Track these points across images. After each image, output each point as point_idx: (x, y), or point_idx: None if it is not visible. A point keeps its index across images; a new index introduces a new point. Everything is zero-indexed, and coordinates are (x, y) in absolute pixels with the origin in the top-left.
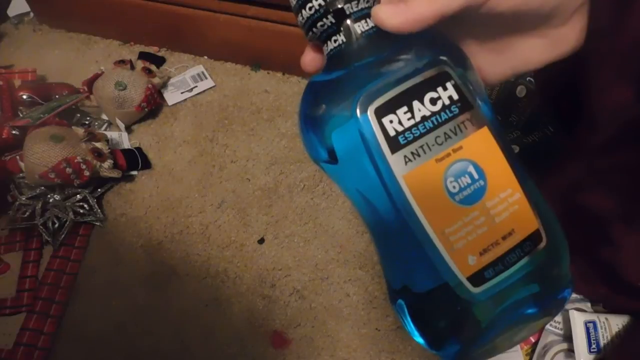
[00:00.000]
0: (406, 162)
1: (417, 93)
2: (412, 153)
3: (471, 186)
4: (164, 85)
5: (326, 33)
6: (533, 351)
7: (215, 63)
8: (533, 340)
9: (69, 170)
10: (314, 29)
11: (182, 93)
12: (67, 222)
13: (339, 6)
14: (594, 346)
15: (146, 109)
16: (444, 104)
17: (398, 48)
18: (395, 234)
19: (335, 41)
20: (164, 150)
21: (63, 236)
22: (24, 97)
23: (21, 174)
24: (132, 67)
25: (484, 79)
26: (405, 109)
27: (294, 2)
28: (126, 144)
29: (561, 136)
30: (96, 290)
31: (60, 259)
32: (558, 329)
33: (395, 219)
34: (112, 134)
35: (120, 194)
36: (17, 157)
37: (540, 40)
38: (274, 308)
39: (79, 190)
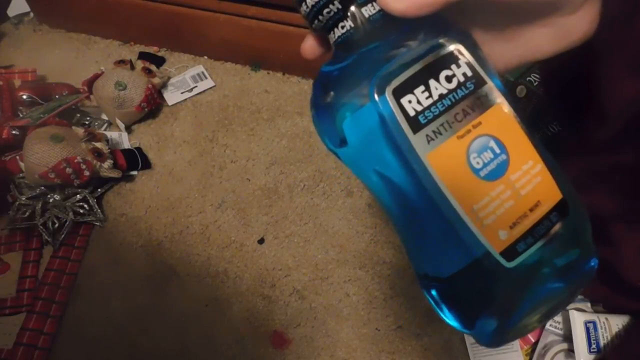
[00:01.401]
0: (428, 142)
1: (432, 72)
2: (434, 132)
3: (494, 161)
4: (164, 85)
5: (332, 20)
6: (533, 351)
7: (215, 63)
8: (533, 340)
9: (69, 170)
10: (320, 17)
11: (182, 93)
12: (67, 222)
13: None
14: (594, 346)
15: (146, 109)
16: (459, 81)
17: (407, 30)
18: (422, 216)
19: (342, 27)
20: (164, 150)
21: (63, 236)
22: (24, 97)
23: (21, 174)
24: (132, 67)
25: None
26: (422, 88)
27: None
28: (126, 144)
29: (565, 133)
30: (96, 290)
31: (60, 259)
32: (558, 329)
33: (422, 201)
34: (112, 134)
35: (120, 194)
36: (17, 157)
37: (548, 29)
38: (274, 308)
39: (79, 190)
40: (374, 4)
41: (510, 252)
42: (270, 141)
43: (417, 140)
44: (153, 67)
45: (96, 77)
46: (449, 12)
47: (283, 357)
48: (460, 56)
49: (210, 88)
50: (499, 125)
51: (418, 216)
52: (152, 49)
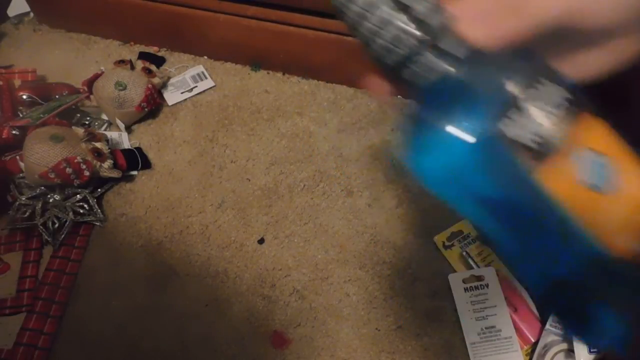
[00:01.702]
0: (537, 160)
1: (534, 99)
2: (539, 152)
3: (601, 173)
4: (164, 85)
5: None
6: (533, 351)
7: (215, 63)
8: (533, 340)
9: (69, 170)
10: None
11: (182, 93)
12: (67, 222)
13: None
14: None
15: (146, 109)
16: (559, 103)
17: (502, 62)
18: (537, 232)
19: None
20: (164, 150)
21: (63, 236)
22: (24, 97)
23: (21, 174)
24: (132, 67)
25: None
26: (532, 112)
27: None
28: (126, 144)
29: None
30: (96, 290)
31: (60, 259)
32: (558, 329)
33: (536, 218)
34: (112, 134)
35: (120, 194)
36: (17, 157)
37: (600, 51)
38: (274, 308)
39: (79, 190)
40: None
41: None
42: (270, 141)
43: (525, 162)
44: (153, 67)
45: (96, 77)
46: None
47: (283, 357)
48: (557, 90)
49: (210, 88)
50: (597, 140)
51: (532, 235)
52: (152, 49)
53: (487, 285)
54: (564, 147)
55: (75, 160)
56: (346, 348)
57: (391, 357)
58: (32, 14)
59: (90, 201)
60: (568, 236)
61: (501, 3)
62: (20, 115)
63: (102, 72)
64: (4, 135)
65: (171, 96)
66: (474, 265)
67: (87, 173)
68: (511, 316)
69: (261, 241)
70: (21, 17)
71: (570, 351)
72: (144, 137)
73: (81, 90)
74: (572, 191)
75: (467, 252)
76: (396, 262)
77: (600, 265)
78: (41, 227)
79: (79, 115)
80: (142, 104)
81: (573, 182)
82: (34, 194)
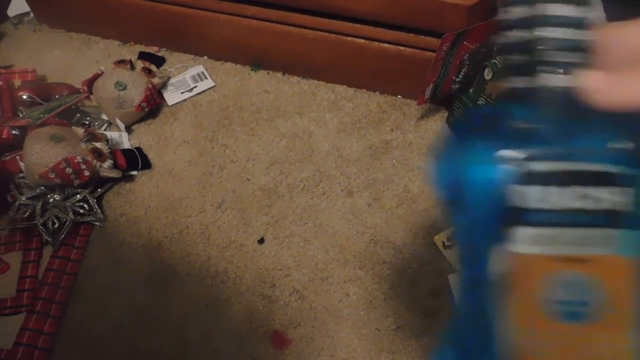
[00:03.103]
0: (520, 243)
1: (575, 180)
2: (531, 237)
3: (577, 306)
4: (164, 85)
5: (515, 69)
6: None
7: (215, 63)
8: None
9: (69, 170)
10: (506, 57)
11: (182, 93)
12: (67, 222)
13: (540, 49)
14: None
15: (146, 109)
16: (597, 208)
17: (583, 121)
18: (476, 295)
19: (519, 81)
20: (164, 150)
21: (63, 236)
22: (24, 97)
23: (21, 174)
24: (132, 67)
25: None
26: (553, 190)
27: (503, 18)
28: (126, 144)
29: None
30: (96, 290)
31: (60, 259)
32: None
33: (478, 293)
34: (112, 134)
35: (120, 194)
36: (17, 157)
37: None
38: (274, 308)
39: (79, 190)
40: (565, 77)
41: None
42: (270, 141)
43: (507, 235)
44: (153, 67)
45: (96, 77)
46: None
47: (283, 357)
48: (623, 184)
49: (210, 88)
50: (609, 277)
51: (473, 295)
52: (152, 49)
53: None
54: (561, 254)
55: (75, 160)
56: (346, 348)
57: (391, 357)
58: (32, 14)
59: (90, 201)
60: (490, 324)
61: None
62: (20, 115)
63: (102, 72)
64: (4, 135)
65: (171, 96)
66: None
67: (87, 173)
68: None
69: (261, 241)
70: (21, 17)
71: None
72: (144, 137)
73: (81, 90)
74: (529, 293)
75: None
76: (396, 262)
77: None
78: (41, 227)
79: (79, 115)
80: (142, 104)
81: (537, 286)
82: (34, 194)
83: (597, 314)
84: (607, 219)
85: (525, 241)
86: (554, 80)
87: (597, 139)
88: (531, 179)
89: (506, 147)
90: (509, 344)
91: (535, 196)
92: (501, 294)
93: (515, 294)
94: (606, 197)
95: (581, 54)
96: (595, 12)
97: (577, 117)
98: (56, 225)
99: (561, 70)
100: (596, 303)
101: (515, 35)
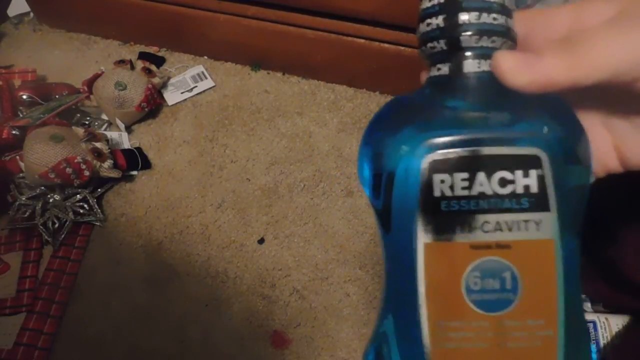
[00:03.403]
0: (434, 231)
1: (489, 165)
2: (448, 225)
3: (496, 293)
4: (164, 85)
5: (434, 57)
6: None
7: (215, 63)
8: None
9: (69, 170)
10: (424, 47)
11: (182, 93)
12: (67, 222)
13: (456, 35)
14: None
15: (146, 109)
16: (514, 192)
17: (501, 104)
18: (394, 291)
19: (438, 69)
20: (164, 150)
21: (63, 236)
22: (24, 97)
23: (21, 174)
24: (132, 67)
25: (624, 158)
26: (465, 175)
27: (420, 9)
28: (126, 144)
29: None
30: (96, 290)
31: (60, 259)
32: None
33: (400, 279)
34: (112, 134)
35: (120, 194)
36: (17, 157)
37: None
38: (274, 308)
39: (79, 190)
40: (483, 61)
41: None
42: (270, 141)
43: (423, 222)
44: (153, 67)
45: (96, 77)
46: (574, 93)
47: (283, 357)
48: (535, 165)
49: (210, 88)
50: (530, 263)
51: (392, 289)
52: (152, 49)
53: None
54: (478, 242)
55: (75, 160)
56: (346, 348)
57: None
58: (32, 14)
59: (90, 201)
60: (409, 322)
61: (557, 47)
62: (20, 115)
63: (102, 72)
64: (4, 135)
65: (171, 96)
66: None
67: (87, 173)
68: None
69: (261, 241)
70: (21, 17)
71: None
72: (144, 137)
73: (81, 90)
74: (445, 284)
75: None
76: None
77: None
78: (41, 227)
79: (79, 115)
80: (142, 104)
81: (454, 277)
82: (34, 194)
83: (516, 300)
84: (527, 202)
85: (445, 229)
86: (474, 65)
87: (516, 122)
88: (451, 165)
89: (428, 133)
90: (427, 333)
91: (455, 183)
92: (421, 283)
93: (435, 283)
94: (526, 181)
95: (501, 39)
96: None
97: (498, 100)
98: (56, 225)
99: (480, 55)
100: (515, 290)
101: (434, 22)
